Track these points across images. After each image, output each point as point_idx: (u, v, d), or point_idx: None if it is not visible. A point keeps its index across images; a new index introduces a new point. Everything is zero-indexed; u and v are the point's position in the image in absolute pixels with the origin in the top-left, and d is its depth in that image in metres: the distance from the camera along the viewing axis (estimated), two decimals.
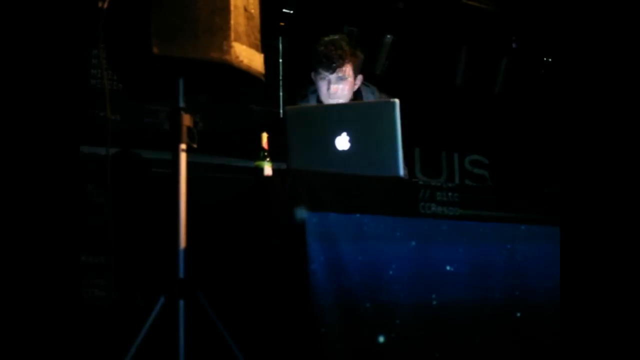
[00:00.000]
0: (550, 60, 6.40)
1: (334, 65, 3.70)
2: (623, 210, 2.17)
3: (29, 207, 2.05)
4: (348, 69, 3.75)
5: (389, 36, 5.84)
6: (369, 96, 3.91)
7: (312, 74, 3.85)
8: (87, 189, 3.32)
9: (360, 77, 3.86)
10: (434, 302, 2.80)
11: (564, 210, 2.32)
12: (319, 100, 3.84)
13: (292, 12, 5.39)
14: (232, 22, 2.54)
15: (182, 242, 2.57)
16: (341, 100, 3.74)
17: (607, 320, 2.15)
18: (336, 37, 3.84)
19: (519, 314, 2.96)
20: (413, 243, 2.81)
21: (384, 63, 5.75)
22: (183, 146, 2.61)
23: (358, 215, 2.73)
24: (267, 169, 3.32)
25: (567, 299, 2.24)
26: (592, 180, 2.24)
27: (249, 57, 2.60)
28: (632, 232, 2.14)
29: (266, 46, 2.74)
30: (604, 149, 2.23)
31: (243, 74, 2.61)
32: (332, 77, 3.73)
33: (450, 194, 2.96)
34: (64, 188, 2.12)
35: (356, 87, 3.85)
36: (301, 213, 2.61)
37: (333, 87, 3.73)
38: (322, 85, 3.77)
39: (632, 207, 2.16)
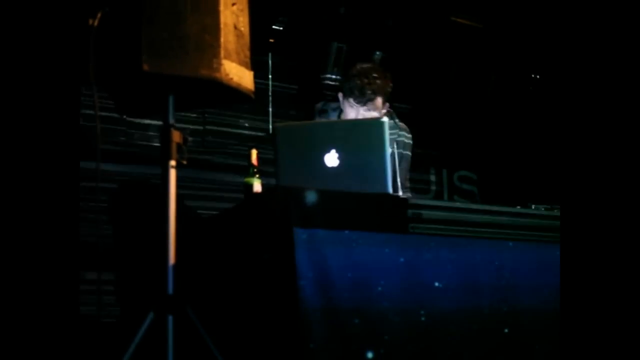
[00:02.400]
0: (538, 77, 6.44)
1: (365, 99, 3.76)
2: (622, 221, 2.18)
3: (28, 219, 2.06)
4: (378, 101, 3.80)
5: (378, 53, 5.87)
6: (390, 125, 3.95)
7: (340, 96, 3.90)
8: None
9: (387, 105, 3.90)
10: (423, 318, 2.81)
11: (564, 222, 2.33)
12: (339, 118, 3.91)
13: (281, 28, 5.41)
14: (222, 39, 2.55)
15: (172, 258, 2.57)
16: None
17: (608, 334, 2.16)
18: (369, 66, 3.88)
19: (507, 330, 2.97)
20: (402, 259, 2.82)
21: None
22: (173, 163, 2.62)
23: (347, 231, 2.74)
24: (257, 186, 3.33)
25: (567, 312, 2.25)
26: (591, 190, 2.25)
27: (238, 74, 2.61)
28: (632, 242, 2.15)
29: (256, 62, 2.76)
30: (600, 159, 2.25)
31: (233, 92, 2.62)
32: (362, 108, 3.79)
33: (438, 211, 2.97)
34: (62, 201, 2.12)
35: (382, 115, 3.88)
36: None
37: (360, 117, 3.79)
38: (350, 112, 3.82)
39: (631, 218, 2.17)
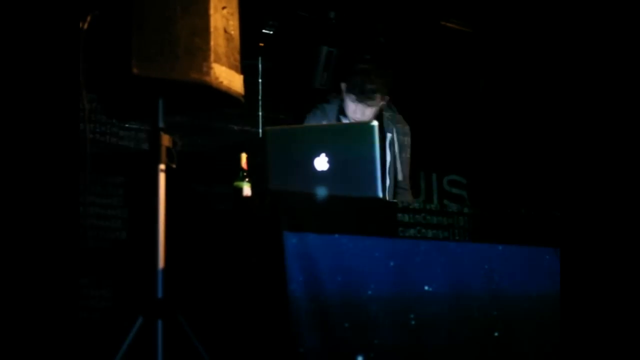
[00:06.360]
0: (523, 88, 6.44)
1: (364, 97, 3.88)
2: (621, 224, 2.18)
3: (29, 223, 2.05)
4: (378, 99, 3.92)
5: (368, 57, 5.87)
6: (388, 114, 4.11)
7: (343, 86, 4.00)
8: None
9: (386, 98, 4.02)
10: (413, 322, 2.81)
11: (564, 229, 2.34)
12: (340, 108, 4.04)
13: (271, 32, 5.41)
14: (212, 43, 2.55)
15: (161, 262, 2.56)
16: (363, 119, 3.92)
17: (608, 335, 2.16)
18: (369, 67, 3.99)
19: (497, 333, 2.98)
20: (391, 263, 2.82)
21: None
22: (162, 166, 2.62)
23: (337, 235, 2.74)
24: (246, 190, 3.32)
25: (567, 315, 2.25)
26: (590, 194, 2.25)
27: (228, 78, 2.61)
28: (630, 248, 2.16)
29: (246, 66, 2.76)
30: (599, 162, 2.25)
31: (223, 95, 2.62)
32: (361, 104, 3.91)
33: (428, 215, 2.97)
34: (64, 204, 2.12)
35: (381, 107, 4.02)
36: None
37: (359, 111, 3.93)
38: (350, 104, 3.95)
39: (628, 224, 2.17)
